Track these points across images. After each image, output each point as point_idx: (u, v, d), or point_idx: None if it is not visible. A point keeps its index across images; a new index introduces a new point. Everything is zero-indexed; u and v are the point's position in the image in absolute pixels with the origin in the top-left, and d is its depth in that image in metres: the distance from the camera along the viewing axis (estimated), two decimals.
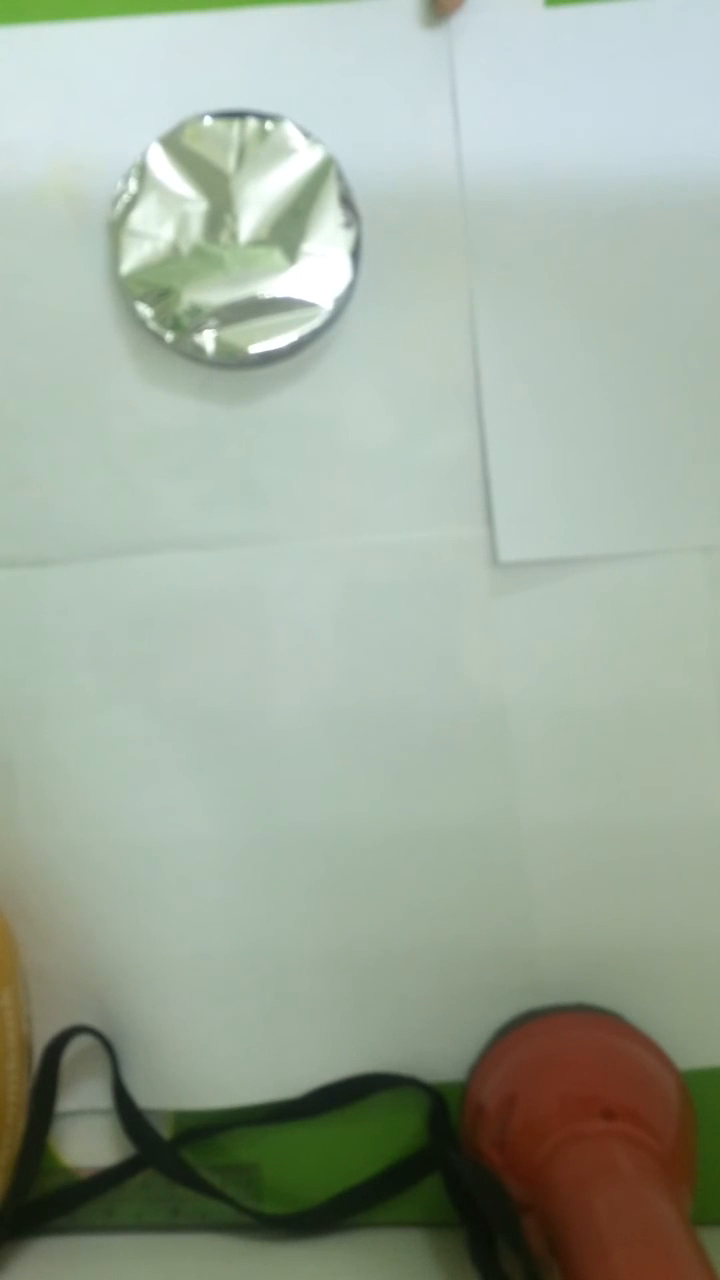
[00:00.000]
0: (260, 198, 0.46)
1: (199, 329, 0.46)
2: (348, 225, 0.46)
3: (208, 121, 0.47)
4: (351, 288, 0.47)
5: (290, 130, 0.47)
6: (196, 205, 0.47)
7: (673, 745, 0.47)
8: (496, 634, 0.48)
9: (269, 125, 0.47)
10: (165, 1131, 0.47)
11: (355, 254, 0.47)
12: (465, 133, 0.48)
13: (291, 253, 0.46)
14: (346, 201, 0.47)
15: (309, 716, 0.47)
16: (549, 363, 0.48)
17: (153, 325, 0.46)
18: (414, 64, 0.49)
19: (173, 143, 0.47)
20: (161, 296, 0.46)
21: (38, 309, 0.49)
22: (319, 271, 0.46)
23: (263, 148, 0.47)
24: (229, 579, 0.48)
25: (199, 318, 0.46)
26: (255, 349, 0.46)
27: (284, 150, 0.47)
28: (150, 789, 0.48)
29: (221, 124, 0.47)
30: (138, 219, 0.47)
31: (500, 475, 0.48)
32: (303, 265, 0.46)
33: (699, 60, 0.48)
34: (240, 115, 0.47)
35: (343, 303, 0.47)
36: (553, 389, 0.48)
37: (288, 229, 0.46)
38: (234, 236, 0.46)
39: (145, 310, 0.46)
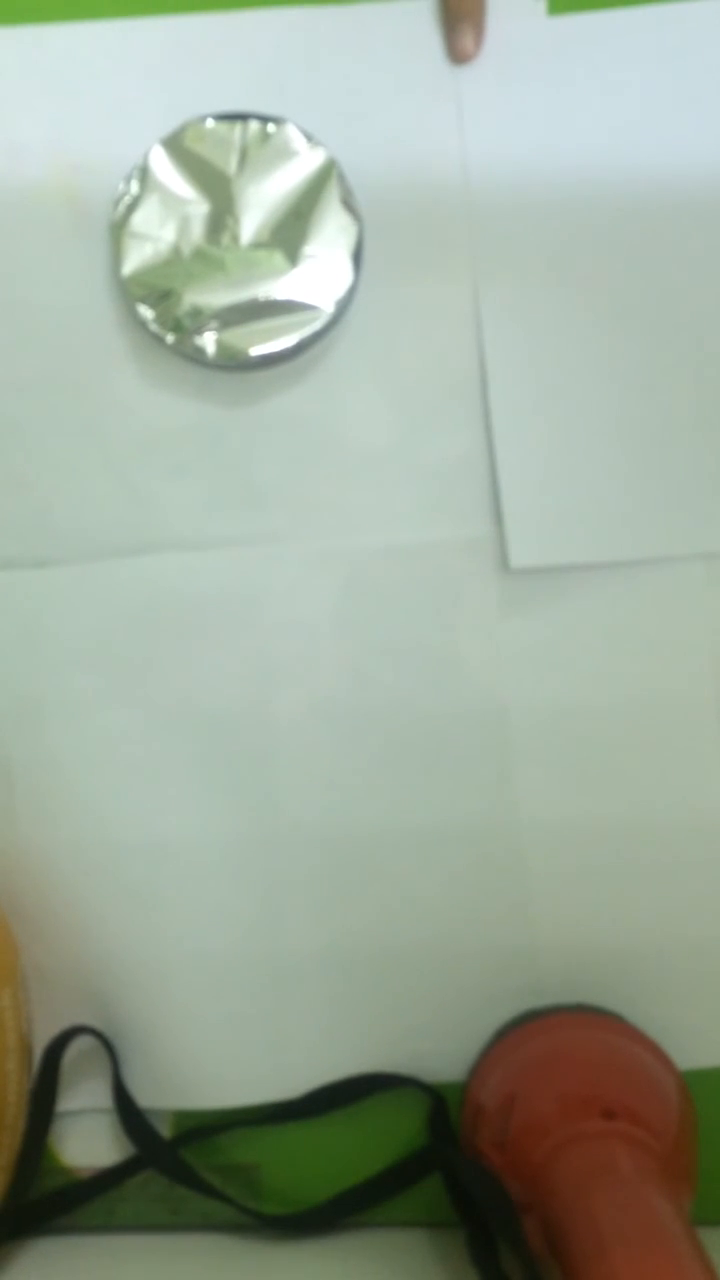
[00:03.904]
0: (262, 200, 0.47)
1: (200, 331, 0.46)
2: (349, 228, 0.47)
3: (209, 123, 0.47)
4: (353, 290, 0.47)
5: (292, 132, 0.47)
6: (198, 207, 0.47)
7: (673, 748, 0.47)
8: (497, 636, 0.48)
9: (271, 127, 0.47)
10: (165, 1131, 0.47)
11: (357, 257, 0.47)
12: (469, 136, 0.48)
13: (293, 255, 0.46)
14: (348, 204, 0.47)
15: (309, 717, 0.48)
16: (555, 367, 0.48)
17: (154, 327, 0.46)
18: (417, 67, 0.49)
19: (174, 144, 0.47)
20: (163, 298, 0.46)
21: (38, 310, 0.49)
22: (320, 274, 0.46)
23: (264, 150, 0.47)
24: (229, 579, 0.48)
25: (200, 320, 0.46)
26: (256, 351, 0.46)
27: (286, 152, 0.47)
28: (150, 789, 0.48)
29: (223, 126, 0.47)
30: (139, 221, 0.47)
31: (509, 481, 0.48)
32: (304, 268, 0.46)
33: (699, 66, 0.49)
34: (242, 117, 0.47)
35: (344, 305, 0.47)
36: (559, 393, 0.48)
37: (289, 231, 0.46)
38: (235, 239, 0.46)
39: (146, 312, 0.46)
